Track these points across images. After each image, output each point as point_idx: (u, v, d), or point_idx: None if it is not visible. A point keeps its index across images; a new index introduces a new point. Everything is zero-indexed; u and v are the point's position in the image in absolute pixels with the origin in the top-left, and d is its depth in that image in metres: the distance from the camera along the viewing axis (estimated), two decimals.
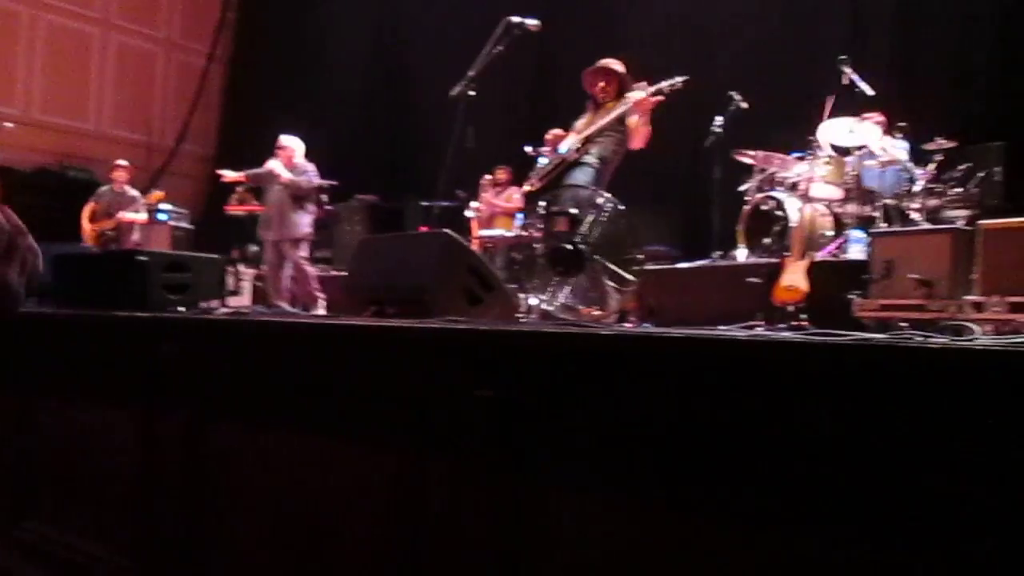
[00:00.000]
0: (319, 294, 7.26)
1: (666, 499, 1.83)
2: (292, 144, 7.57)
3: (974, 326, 2.18)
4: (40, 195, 9.71)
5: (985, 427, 1.43)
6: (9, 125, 10.06)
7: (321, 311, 6.85)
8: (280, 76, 11.26)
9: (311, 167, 7.56)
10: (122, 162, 9.17)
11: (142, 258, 3.54)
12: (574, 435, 2.01)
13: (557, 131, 5.26)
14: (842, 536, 1.57)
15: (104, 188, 9.06)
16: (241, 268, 8.54)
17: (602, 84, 5.13)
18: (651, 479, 1.85)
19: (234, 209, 9.00)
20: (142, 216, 8.99)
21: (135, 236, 8.92)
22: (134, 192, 9.02)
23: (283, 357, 2.65)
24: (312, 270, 7.51)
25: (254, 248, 8.95)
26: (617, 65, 5.22)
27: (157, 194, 9.43)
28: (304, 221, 7.44)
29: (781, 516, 1.64)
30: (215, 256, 3.90)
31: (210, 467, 2.78)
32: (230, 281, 3.77)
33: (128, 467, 3.02)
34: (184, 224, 10.02)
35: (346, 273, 4.24)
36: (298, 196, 7.38)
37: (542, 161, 5.13)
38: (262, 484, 2.64)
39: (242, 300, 7.57)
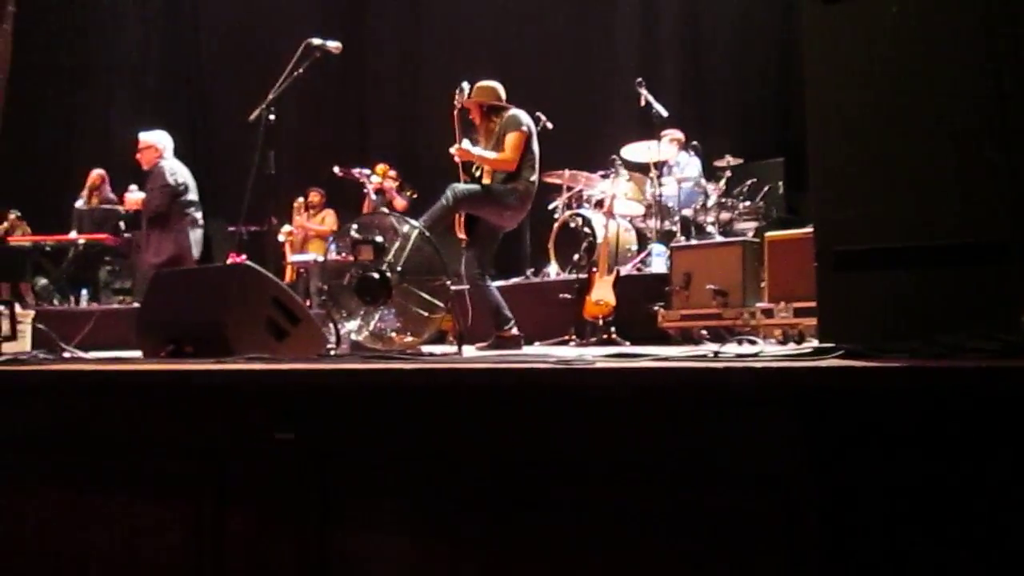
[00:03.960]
0: None
1: (477, 537, 1.80)
2: (149, 140, 6.02)
3: (759, 339, 2.31)
4: None
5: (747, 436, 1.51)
6: None
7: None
8: (62, 85, 10.27)
9: (167, 167, 5.92)
10: None
11: None
12: (383, 474, 1.95)
13: None
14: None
15: None
16: (19, 308, 7.67)
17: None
18: (463, 516, 1.82)
19: (17, 240, 8.25)
20: None
21: None
22: None
23: (63, 408, 2.42)
24: None
25: (43, 282, 8.23)
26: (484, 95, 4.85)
27: None
28: (159, 248, 5.89)
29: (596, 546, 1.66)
30: None
31: None
32: (4, 324, 3.39)
33: None
34: None
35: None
36: (149, 216, 5.90)
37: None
38: (39, 549, 2.39)
39: (23, 345, 6.70)
